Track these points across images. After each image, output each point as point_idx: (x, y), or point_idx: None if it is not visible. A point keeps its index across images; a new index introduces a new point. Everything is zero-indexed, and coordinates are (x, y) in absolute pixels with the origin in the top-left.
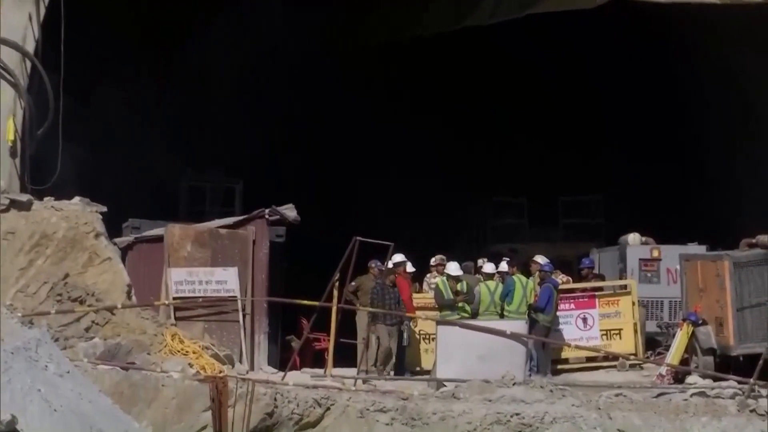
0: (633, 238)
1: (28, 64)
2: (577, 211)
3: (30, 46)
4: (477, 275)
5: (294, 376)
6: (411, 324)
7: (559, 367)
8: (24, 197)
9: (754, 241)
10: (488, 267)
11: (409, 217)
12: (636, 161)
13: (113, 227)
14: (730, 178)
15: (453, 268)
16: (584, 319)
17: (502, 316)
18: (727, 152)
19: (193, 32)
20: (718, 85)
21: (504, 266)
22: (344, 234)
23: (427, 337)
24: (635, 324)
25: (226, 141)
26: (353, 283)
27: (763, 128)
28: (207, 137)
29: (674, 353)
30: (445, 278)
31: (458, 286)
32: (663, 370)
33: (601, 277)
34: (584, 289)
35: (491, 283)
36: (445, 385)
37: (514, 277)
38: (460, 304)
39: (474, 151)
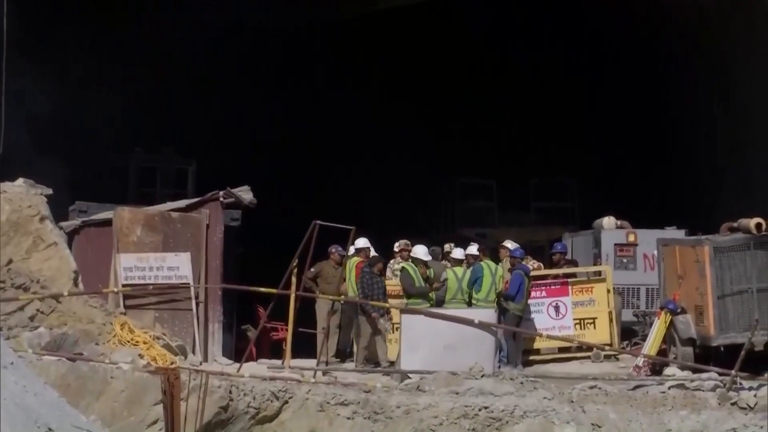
0: (608, 221)
1: None
2: (549, 193)
3: None
4: (443, 261)
5: (250, 368)
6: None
7: (531, 358)
8: None
9: (735, 225)
10: (457, 252)
11: (372, 200)
12: (611, 142)
13: (59, 210)
14: (710, 160)
15: (421, 252)
16: (557, 308)
17: (469, 304)
18: (707, 133)
19: (145, 6)
20: (697, 65)
21: (473, 250)
22: (303, 218)
23: (391, 326)
24: (610, 312)
25: (179, 119)
26: (312, 270)
27: (745, 110)
28: (158, 115)
29: (652, 343)
30: (412, 264)
31: (428, 272)
32: (640, 361)
33: (574, 263)
34: (556, 276)
35: (459, 270)
36: (409, 377)
37: (482, 263)
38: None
39: (440, 131)
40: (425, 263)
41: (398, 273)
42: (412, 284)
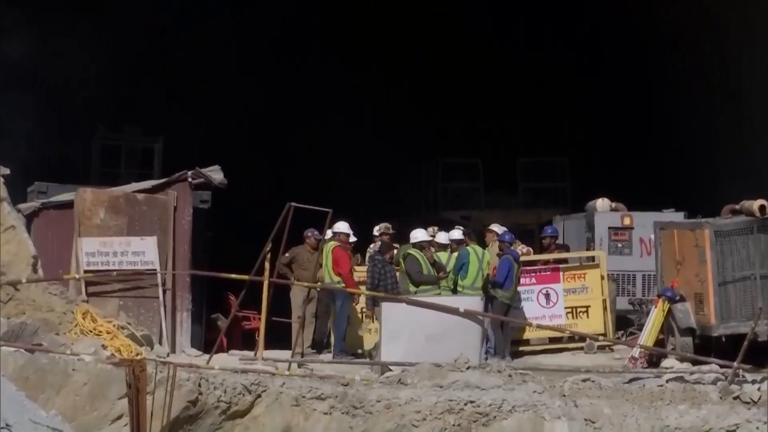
0: (602, 203)
1: None
2: (538, 173)
3: None
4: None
5: (220, 360)
6: (352, 301)
7: (520, 349)
8: None
9: (737, 207)
10: (442, 236)
11: (350, 181)
12: (605, 119)
13: (17, 192)
14: (709, 138)
15: (421, 234)
16: (547, 295)
17: (455, 291)
18: (707, 109)
19: None
20: (695, 37)
21: (457, 234)
22: (277, 199)
23: (371, 315)
24: (604, 300)
25: (144, 95)
26: (287, 255)
27: (746, 84)
28: (122, 91)
29: (648, 333)
30: (416, 249)
31: (434, 256)
32: (636, 352)
33: (566, 248)
34: (547, 262)
35: (443, 255)
36: (390, 369)
37: (468, 248)
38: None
39: (421, 107)
40: (445, 247)
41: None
42: (420, 271)
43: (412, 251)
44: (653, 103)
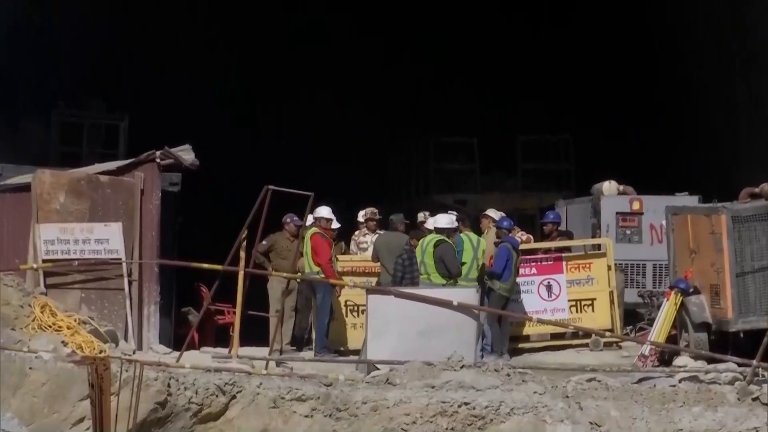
0: (608, 186)
1: None
2: (539, 153)
3: None
4: (417, 230)
5: (192, 358)
6: (335, 294)
7: (519, 345)
8: None
9: (757, 190)
10: (429, 222)
11: (334, 162)
12: (613, 94)
13: None
14: (727, 115)
15: (444, 221)
16: (549, 287)
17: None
18: (724, 83)
19: None
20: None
21: (450, 220)
22: (253, 182)
23: (356, 309)
24: (611, 293)
25: (109, 67)
26: (264, 243)
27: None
28: (84, 62)
29: (660, 329)
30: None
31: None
32: (646, 349)
33: (569, 235)
34: (549, 250)
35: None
36: (377, 368)
37: (462, 235)
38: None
39: (414, 82)
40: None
41: (365, 245)
42: (457, 263)
43: (448, 239)
44: (665, 78)
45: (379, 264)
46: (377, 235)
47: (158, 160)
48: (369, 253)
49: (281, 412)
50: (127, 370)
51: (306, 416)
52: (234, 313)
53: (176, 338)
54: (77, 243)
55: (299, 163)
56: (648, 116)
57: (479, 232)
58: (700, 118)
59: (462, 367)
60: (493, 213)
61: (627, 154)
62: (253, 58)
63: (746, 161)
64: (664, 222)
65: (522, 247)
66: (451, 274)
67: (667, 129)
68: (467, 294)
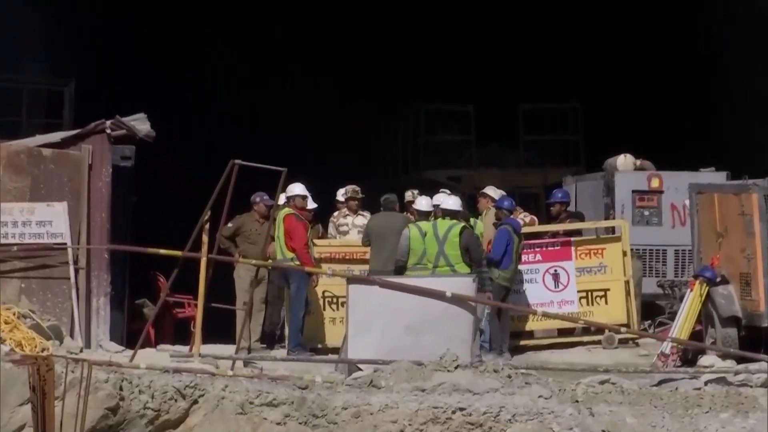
0: (623, 161)
1: None
2: (544, 123)
3: None
4: (405, 213)
5: (147, 357)
6: (311, 283)
7: (522, 343)
8: None
9: None
10: (422, 202)
11: (308, 134)
12: (629, 55)
13: None
14: (757, 80)
15: (424, 203)
16: (556, 276)
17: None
18: (754, 45)
19: None
20: None
21: (442, 199)
22: (218, 156)
23: (335, 301)
24: (627, 282)
25: (52, 26)
26: (230, 225)
27: None
28: (23, 20)
29: (682, 324)
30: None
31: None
32: (666, 347)
33: (579, 217)
34: (556, 234)
35: (426, 225)
36: (359, 369)
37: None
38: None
39: (400, 42)
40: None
41: (345, 228)
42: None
43: (465, 223)
44: (687, 36)
45: (368, 249)
46: (365, 217)
47: (109, 131)
48: (350, 237)
49: (250, 419)
50: (73, 371)
51: (278, 423)
52: (195, 305)
53: (129, 334)
54: (16, 225)
55: (271, 135)
56: (668, 81)
57: (476, 213)
58: (728, 85)
59: (456, 367)
60: (492, 191)
61: (644, 124)
62: (219, 16)
63: None
64: (687, 202)
65: (525, 230)
66: (474, 261)
67: (690, 95)
68: (462, 283)
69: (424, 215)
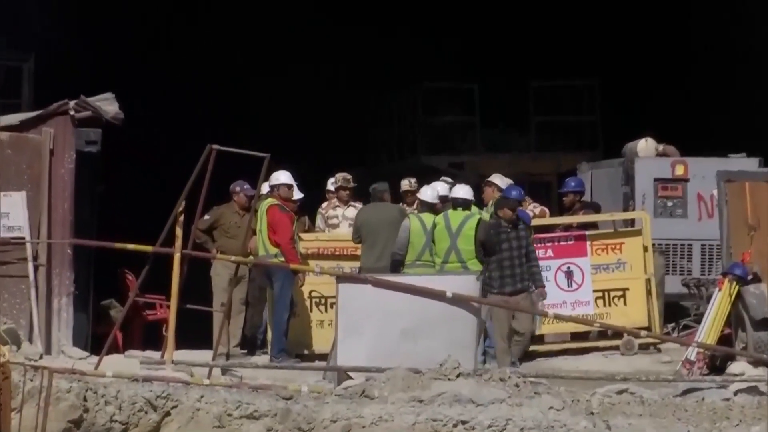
0: (645, 145)
1: None
2: (558, 103)
3: None
4: (401, 205)
5: (114, 363)
6: (297, 282)
7: (531, 348)
8: None
9: None
10: (427, 192)
11: (294, 116)
12: (650, 27)
13: None
14: None
15: (429, 193)
16: (569, 274)
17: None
18: None
19: None
20: None
21: (444, 189)
22: (194, 140)
23: (323, 301)
24: (648, 281)
25: None
26: (207, 217)
27: None
28: None
29: (710, 327)
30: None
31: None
32: (692, 353)
33: (595, 208)
34: (569, 227)
35: (427, 217)
36: (350, 377)
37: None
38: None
39: (392, 12)
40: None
41: (335, 221)
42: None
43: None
44: (716, 10)
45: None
46: (357, 208)
47: (72, 113)
48: (340, 231)
49: None
50: (32, 380)
51: None
52: (168, 307)
53: (95, 339)
54: None
55: (252, 118)
56: (696, 58)
57: (481, 203)
58: (760, 60)
59: (458, 375)
60: (499, 180)
61: (668, 104)
62: None
63: None
64: (715, 191)
65: (535, 222)
66: (488, 256)
67: (718, 74)
68: (465, 282)
69: (428, 207)
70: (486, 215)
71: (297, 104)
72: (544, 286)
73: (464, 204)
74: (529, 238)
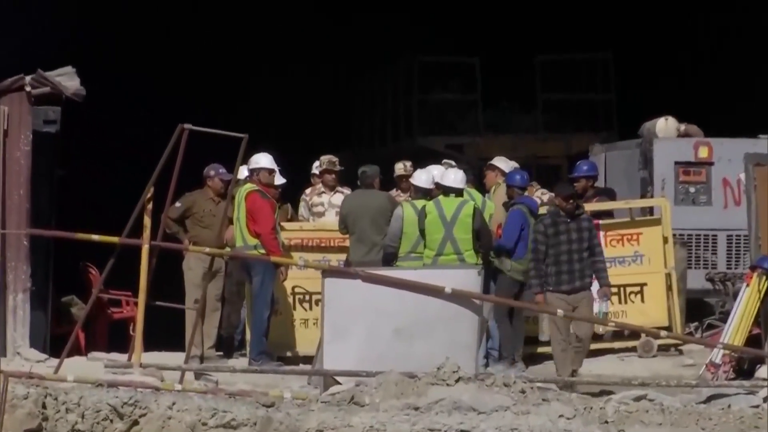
0: (664, 125)
1: None
2: (567, 78)
3: None
4: (395, 190)
5: (77, 367)
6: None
7: (538, 350)
8: None
9: None
10: (421, 177)
11: (275, 94)
12: None
13: None
14: None
15: (423, 178)
16: None
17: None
18: None
19: None
20: None
21: (441, 173)
22: (164, 119)
23: (307, 298)
24: (668, 275)
25: None
26: (179, 205)
27: None
28: None
29: (737, 326)
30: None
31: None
32: (717, 355)
33: (610, 195)
34: None
35: (423, 204)
36: (338, 382)
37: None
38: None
39: None
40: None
41: (320, 209)
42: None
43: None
44: None
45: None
46: (345, 194)
47: (29, 89)
48: (326, 220)
49: None
50: None
51: None
52: (135, 304)
53: (54, 339)
54: None
55: (229, 94)
56: (717, 28)
57: (483, 189)
58: None
59: (458, 380)
60: (503, 163)
61: (689, 81)
62: None
63: None
64: (742, 175)
65: (542, 211)
66: (483, 248)
67: (743, 46)
68: (465, 276)
69: (423, 193)
70: (490, 203)
71: (279, 80)
72: (609, 285)
73: (454, 192)
74: (592, 229)
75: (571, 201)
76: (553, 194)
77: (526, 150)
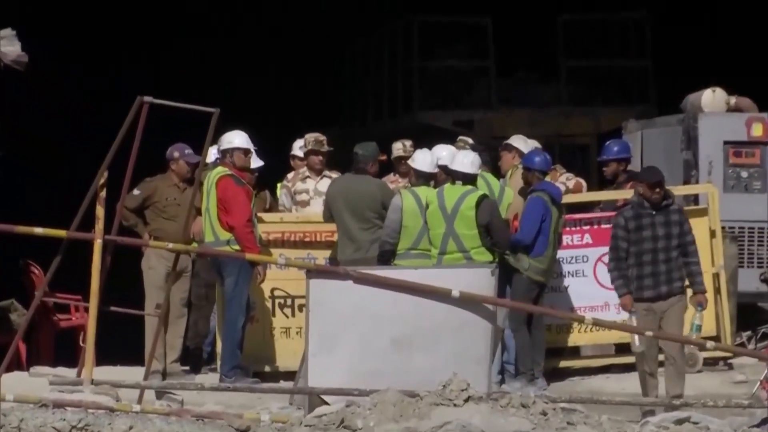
0: (711, 98)
1: None
2: (595, 43)
3: None
4: (393, 174)
5: (17, 383)
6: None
7: (562, 364)
8: None
9: None
10: (423, 158)
11: (250, 63)
12: None
13: None
14: None
15: (427, 160)
16: None
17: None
18: None
19: None
20: None
21: (450, 154)
22: (123, 92)
23: (289, 302)
24: (716, 276)
25: None
26: (137, 192)
27: None
28: None
29: None
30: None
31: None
32: None
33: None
34: (611, 205)
35: (424, 192)
36: (325, 402)
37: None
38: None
39: None
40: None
41: (305, 197)
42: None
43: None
44: None
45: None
46: (328, 179)
47: None
48: (311, 210)
49: None
50: None
51: None
52: (86, 309)
53: None
54: None
55: (199, 61)
56: None
57: (498, 173)
58: None
59: (467, 399)
60: (521, 143)
61: (742, 44)
62: None
63: None
64: None
65: (567, 199)
66: (498, 246)
67: None
68: (476, 276)
69: (425, 178)
70: (509, 190)
71: (255, 44)
72: (704, 291)
73: (464, 178)
74: (684, 223)
75: (658, 190)
76: (579, 179)
77: (547, 127)
